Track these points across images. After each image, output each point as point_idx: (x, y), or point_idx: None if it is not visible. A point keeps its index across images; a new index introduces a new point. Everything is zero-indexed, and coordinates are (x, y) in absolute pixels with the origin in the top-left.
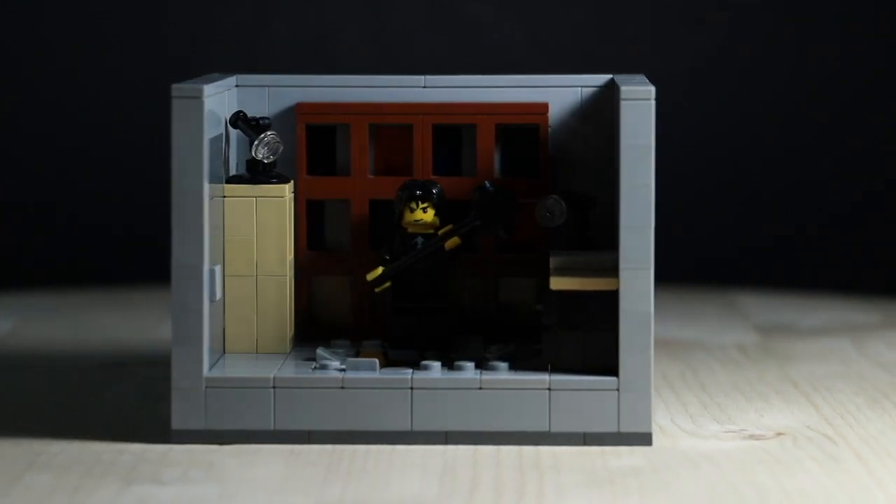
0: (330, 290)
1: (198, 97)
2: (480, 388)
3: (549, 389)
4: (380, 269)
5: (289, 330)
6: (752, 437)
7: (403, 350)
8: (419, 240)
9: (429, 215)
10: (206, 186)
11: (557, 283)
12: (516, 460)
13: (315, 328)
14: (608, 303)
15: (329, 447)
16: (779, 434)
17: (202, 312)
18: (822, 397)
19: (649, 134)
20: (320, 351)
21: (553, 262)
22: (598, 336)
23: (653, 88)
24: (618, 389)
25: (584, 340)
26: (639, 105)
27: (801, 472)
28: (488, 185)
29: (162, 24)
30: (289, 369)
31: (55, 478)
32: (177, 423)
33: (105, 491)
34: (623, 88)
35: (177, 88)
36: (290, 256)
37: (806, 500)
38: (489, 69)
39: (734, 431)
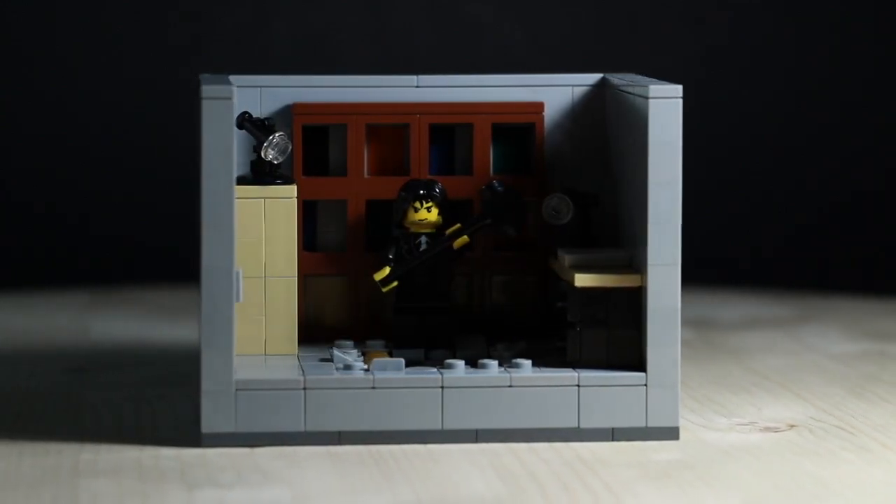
0: (324, 291)
1: (228, 98)
2: (510, 386)
3: (578, 386)
4: (387, 269)
5: (296, 331)
6: (767, 429)
7: (407, 350)
8: (423, 239)
9: (433, 214)
10: (235, 188)
11: (582, 280)
12: (557, 456)
13: (309, 330)
14: (629, 299)
15: (364, 448)
16: (791, 426)
17: (232, 315)
18: (803, 389)
19: (677, 131)
20: (337, 352)
21: (569, 259)
22: (620, 332)
23: (680, 87)
24: (646, 385)
25: (607, 337)
26: (667, 103)
27: (844, 463)
28: (496, 184)
29: (162, 24)
30: (314, 371)
31: (114, 484)
32: (207, 426)
33: (176, 496)
34: (651, 87)
35: (207, 90)
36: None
37: (874, 490)
38: (489, 69)
39: (746, 424)
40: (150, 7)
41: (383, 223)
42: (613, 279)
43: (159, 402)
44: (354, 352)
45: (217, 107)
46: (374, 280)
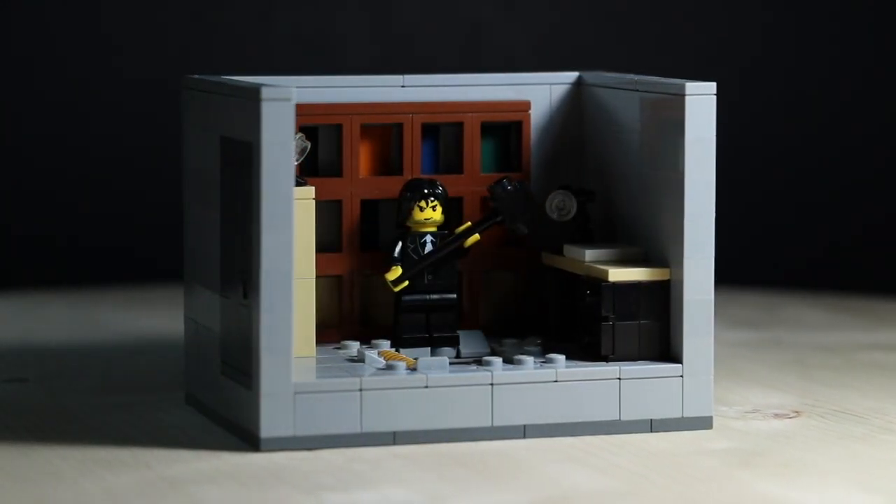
0: (320, 291)
1: (287, 99)
2: (556, 381)
3: (619, 379)
4: (399, 269)
5: (314, 332)
6: (778, 416)
7: (413, 348)
8: (428, 238)
9: (437, 213)
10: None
11: (615, 274)
12: (622, 449)
13: None
14: (656, 292)
15: (427, 447)
16: (796, 412)
17: (291, 319)
18: (756, 376)
19: (711, 128)
20: (368, 353)
21: (589, 255)
22: (649, 325)
23: (714, 84)
24: (682, 376)
25: (638, 330)
26: (702, 100)
27: (892, 446)
28: (507, 182)
29: (162, 23)
30: (366, 372)
31: (226, 492)
32: (266, 430)
33: (304, 500)
34: (688, 84)
35: (266, 90)
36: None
37: None
38: (489, 69)
39: (752, 412)
40: (151, 7)
41: (373, 223)
42: (645, 273)
43: (148, 409)
44: (375, 351)
45: (276, 108)
46: (385, 280)
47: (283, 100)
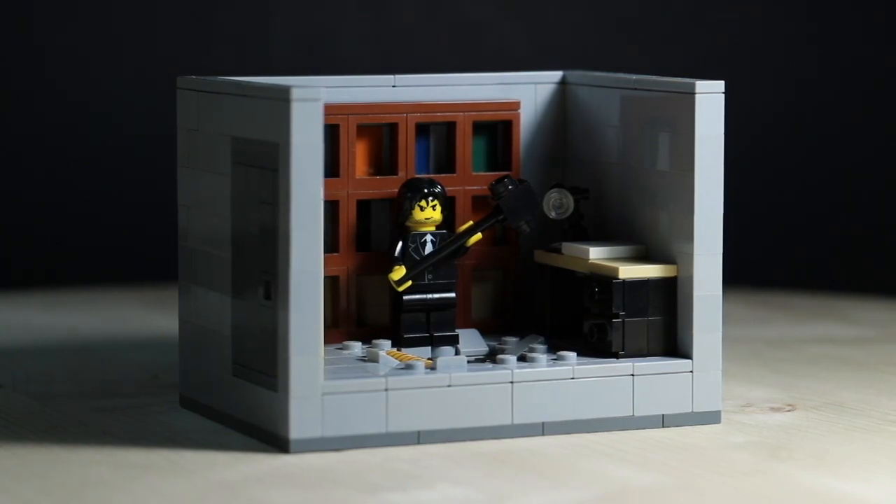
0: None
1: (317, 100)
2: (573, 378)
3: (633, 375)
4: (403, 269)
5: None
6: (773, 409)
7: (414, 347)
8: (428, 237)
9: (437, 212)
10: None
11: (625, 272)
12: (646, 444)
13: None
14: (663, 288)
15: (455, 446)
16: (790, 405)
17: (320, 320)
18: (730, 371)
19: (720, 125)
20: (383, 354)
21: (593, 253)
22: (657, 321)
23: (722, 83)
24: (692, 371)
25: (647, 326)
26: (711, 98)
27: None
28: (508, 180)
29: (161, 23)
30: (382, 373)
31: (287, 495)
32: (295, 432)
33: (366, 501)
34: (698, 83)
35: (296, 91)
36: None
37: None
38: (488, 69)
39: (748, 406)
40: (150, 7)
41: (366, 222)
42: (653, 270)
43: (146, 412)
44: (383, 352)
45: (306, 108)
46: (389, 280)
47: (313, 100)
